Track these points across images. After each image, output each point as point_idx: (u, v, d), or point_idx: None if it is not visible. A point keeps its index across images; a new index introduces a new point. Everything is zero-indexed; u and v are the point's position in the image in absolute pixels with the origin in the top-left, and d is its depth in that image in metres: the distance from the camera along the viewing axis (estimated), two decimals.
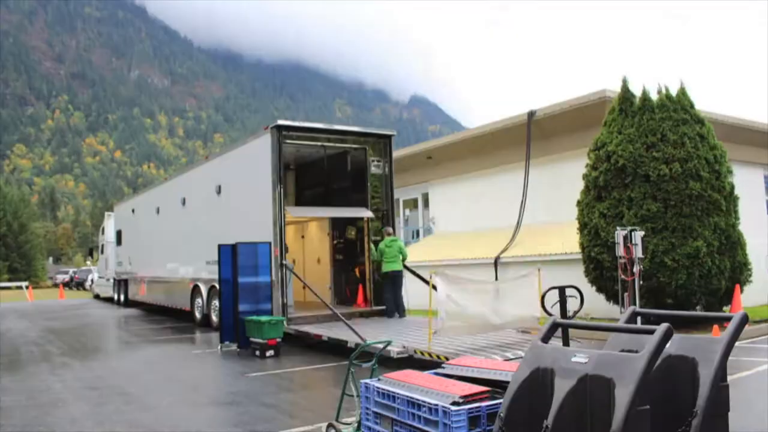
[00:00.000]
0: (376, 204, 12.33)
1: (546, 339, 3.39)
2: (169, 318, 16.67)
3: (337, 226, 14.15)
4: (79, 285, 45.34)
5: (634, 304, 8.69)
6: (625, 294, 9.03)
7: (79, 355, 10.49)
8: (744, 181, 13.46)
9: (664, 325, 2.88)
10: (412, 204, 21.86)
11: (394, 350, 7.65)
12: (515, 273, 11.36)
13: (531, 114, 15.34)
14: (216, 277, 11.31)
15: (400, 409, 3.81)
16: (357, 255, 13.49)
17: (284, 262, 10.92)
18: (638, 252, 8.81)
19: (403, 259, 11.64)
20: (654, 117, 10.70)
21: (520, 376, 3.27)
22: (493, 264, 14.86)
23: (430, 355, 7.57)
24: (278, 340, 9.64)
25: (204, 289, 13.60)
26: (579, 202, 11.65)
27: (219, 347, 10.40)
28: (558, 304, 5.87)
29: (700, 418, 2.97)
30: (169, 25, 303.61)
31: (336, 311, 10.19)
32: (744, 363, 7.90)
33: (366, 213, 11.99)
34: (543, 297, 5.82)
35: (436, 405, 3.50)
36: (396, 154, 13.67)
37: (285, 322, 10.26)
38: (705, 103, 12.28)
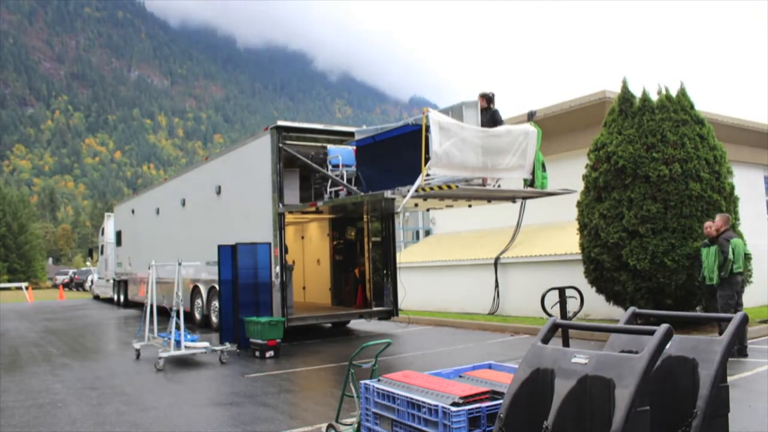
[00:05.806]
0: None
1: (546, 340, 3.39)
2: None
3: (337, 226, 14.15)
4: (79, 286, 45.40)
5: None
6: None
7: (79, 355, 10.49)
8: (744, 181, 13.47)
9: (664, 326, 2.88)
10: (412, 204, 21.81)
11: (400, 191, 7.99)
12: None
13: (531, 114, 15.20)
14: (216, 277, 11.31)
15: (400, 410, 3.80)
16: (356, 256, 13.48)
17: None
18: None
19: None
20: (654, 118, 10.69)
21: (521, 377, 3.26)
22: (493, 265, 14.88)
23: (424, 189, 7.74)
24: (278, 340, 9.65)
25: (204, 290, 13.59)
26: (579, 203, 11.65)
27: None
28: (558, 305, 5.86)
29: (700, 418, 2.97)
30: (170, 26, 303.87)
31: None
32: (744, 364, 7.91)
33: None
34: (543, 297, 5.80)
35: (436, 406, 3.49)
36: None
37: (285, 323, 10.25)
38: (705, 103, 12.30)
